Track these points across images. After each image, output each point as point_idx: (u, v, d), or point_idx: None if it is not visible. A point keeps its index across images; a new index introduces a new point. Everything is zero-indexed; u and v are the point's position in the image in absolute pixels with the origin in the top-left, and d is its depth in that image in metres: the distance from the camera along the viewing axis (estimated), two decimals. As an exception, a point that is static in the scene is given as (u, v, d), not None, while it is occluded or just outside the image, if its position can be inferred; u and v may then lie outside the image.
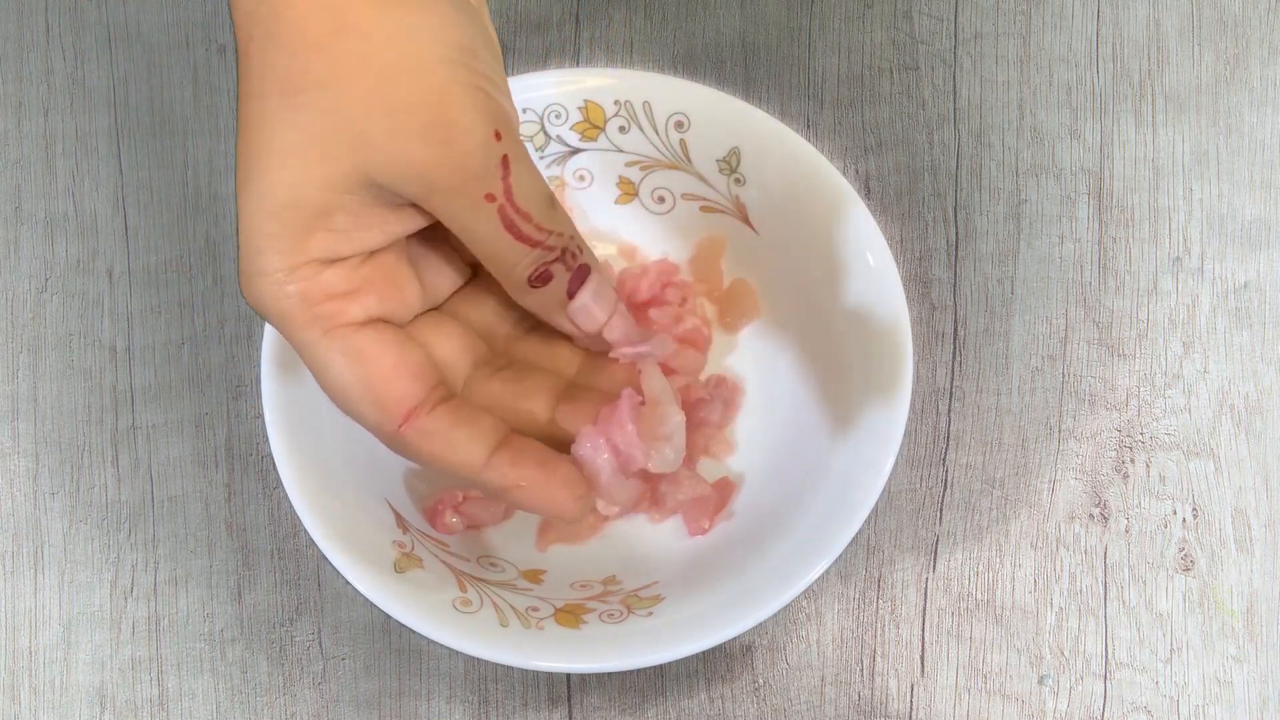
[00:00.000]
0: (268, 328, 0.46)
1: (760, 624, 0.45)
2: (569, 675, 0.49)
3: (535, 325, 0.43)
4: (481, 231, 0.36)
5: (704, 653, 0.48)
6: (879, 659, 0.50)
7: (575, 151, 0.50)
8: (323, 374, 0.37)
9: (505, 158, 0.36)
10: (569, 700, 0.49)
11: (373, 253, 0.37)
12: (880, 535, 0.50)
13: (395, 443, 0.38)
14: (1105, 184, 0.53)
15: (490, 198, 0.36)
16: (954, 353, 0.52)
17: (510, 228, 0.37)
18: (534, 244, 0.37)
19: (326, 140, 0.34)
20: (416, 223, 0.37)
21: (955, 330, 0.52)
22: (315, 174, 0.34)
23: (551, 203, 0.38)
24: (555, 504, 0.40)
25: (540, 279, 0.38)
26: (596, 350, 0.44)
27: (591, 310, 0.41)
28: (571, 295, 0.40)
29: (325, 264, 0.36)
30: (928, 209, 0.53)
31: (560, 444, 0.42)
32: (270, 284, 0.35)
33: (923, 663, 0.50)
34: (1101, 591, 0.50)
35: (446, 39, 0.34)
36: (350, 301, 0.36)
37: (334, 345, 0.36)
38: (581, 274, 0.40)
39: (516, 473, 0.39)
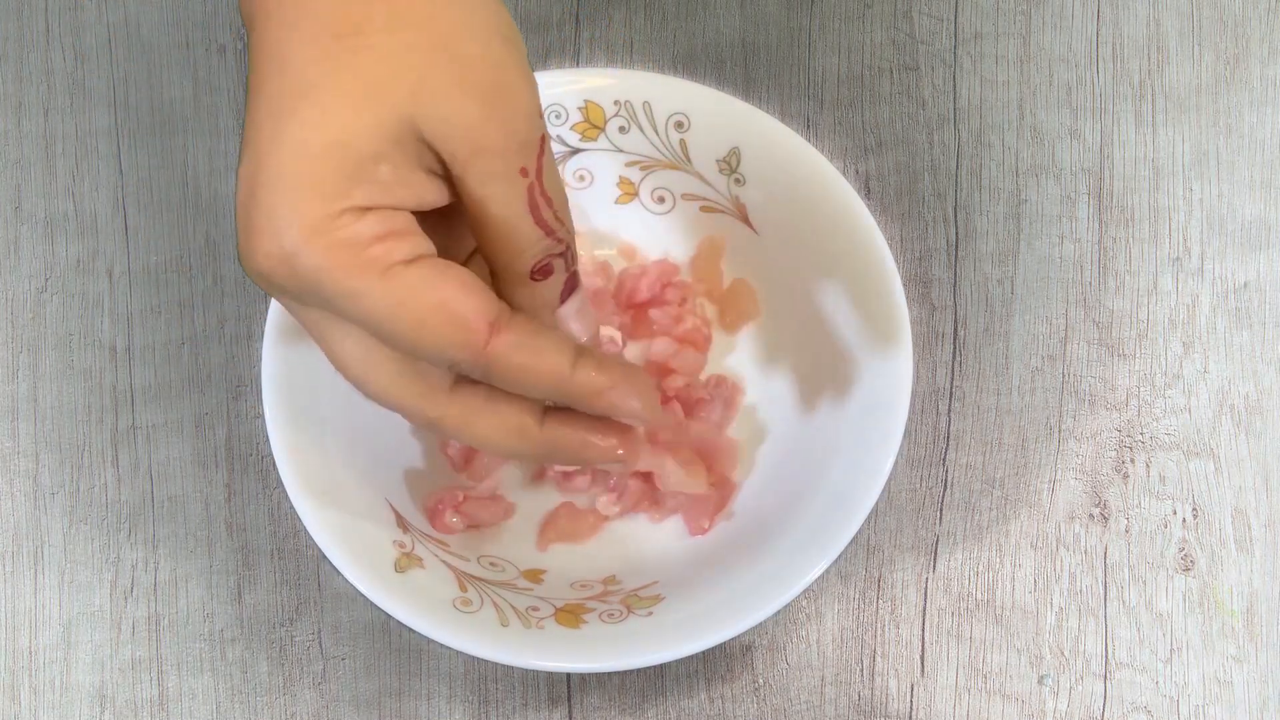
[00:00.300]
0: (268, 328, 0.46)
1: (760, 624, 0.45)
2: (569, 675, 0.49)
3: None
4: (507, 208, 0.36)
5: (704, 653, 0.48)
6: (879, 659, 0.50)
7: (575, 151, 0.50)
8: (386, 318, 0.35)
9: (543, 138, 0.36)
10: (569, 700, 0.49)
11: (395, 209, 0.36)
12: (880, 535, 0.50)
13: (482, 361, 0.36)
14: (1105, 184, 0.53)
15: (524, 173, 0.36)
16: (954, 353, 0.52)
17: (534, 209, 0.37)
18: (548, 232, 0.37)
19: (385, 84, 0.34)
20: (436, 197, 0.36)
21: (955, 330, 0.52)
22: (368, 117, 0.34)
23: (565, 197, 0.38)
24: (636, 410, 0.39)
25: (543, 271, 0.38)
26: None
27: (574, 323, 0.40)
28: (563, 300, 0.40)
29: (363, 211, 0.34)
30: (928, 209, 0.53)
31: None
32: (306, 233, 0.33)
33: (923, 663, 0.50)
34: (1101, 591, 0.50)
35: (502, 19, 0.35)
36: (398, 241, 0.35)
37: (396, 283, 0.34)
38: (573, 282, 0.40)
39: (606, 374, 0.38)
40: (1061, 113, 0.54)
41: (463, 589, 0.45)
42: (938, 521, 0.51)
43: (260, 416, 0.50)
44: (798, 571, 0.44)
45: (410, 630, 0.46)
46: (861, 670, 0.50)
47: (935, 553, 0.50)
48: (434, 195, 0.36)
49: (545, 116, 0.49)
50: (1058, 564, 0.50)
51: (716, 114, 0.49)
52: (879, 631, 0.50)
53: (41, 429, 0.51)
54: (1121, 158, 0.54)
